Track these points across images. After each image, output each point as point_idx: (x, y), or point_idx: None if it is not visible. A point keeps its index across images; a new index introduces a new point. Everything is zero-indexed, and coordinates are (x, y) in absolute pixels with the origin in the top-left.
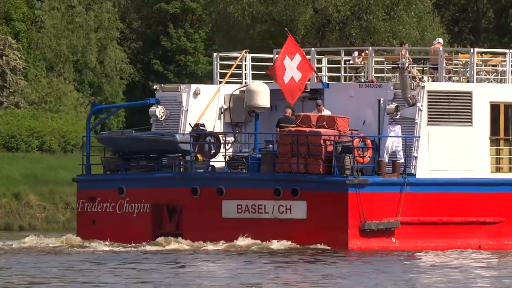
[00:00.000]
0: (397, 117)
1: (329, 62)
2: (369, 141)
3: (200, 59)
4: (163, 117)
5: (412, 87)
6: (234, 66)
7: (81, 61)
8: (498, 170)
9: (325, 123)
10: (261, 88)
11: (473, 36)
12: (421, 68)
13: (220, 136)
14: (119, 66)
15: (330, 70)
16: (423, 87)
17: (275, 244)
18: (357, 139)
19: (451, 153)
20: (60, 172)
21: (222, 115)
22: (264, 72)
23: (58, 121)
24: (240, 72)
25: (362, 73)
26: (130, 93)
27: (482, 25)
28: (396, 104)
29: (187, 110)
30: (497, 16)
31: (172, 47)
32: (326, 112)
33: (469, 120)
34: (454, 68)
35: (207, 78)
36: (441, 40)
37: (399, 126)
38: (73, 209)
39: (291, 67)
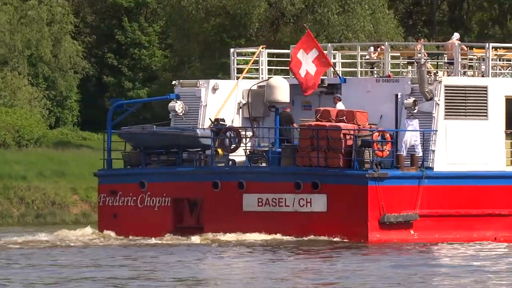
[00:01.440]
0: (415, 111)
1: (343, 57)
2: (388, 135)
3: (155, 52)
4: (182, 112)
5: (430, 82)
6: (251, 62)
7: (35, 55)
8: None
9: (344, 117)
10: (281, 83)
11: (427, 29)
12: (435, 63)
13: (240, 130)
14: (73, 60)
15: (345, 65)
16: (440, 82)
17: (296, 238)
18: (376, 133)
19: (468, 146)
20: (14, 166)
21: (240, 110)
22: (278, 68)
23: (12, 115)
24: (257, 67)
25: (378, 68)
26: (84, 87)
27: (436, 18)
28: (414, 99)
29: (206, 105)
30: (451, 9)
31: (126, 40)
32: (339, 106)
33: (485, 114)
34: (469, 62)
35: (162, 71)
36: (458, 35)
37: (417, 120)
38: (27, 204)
39: (307, 61)
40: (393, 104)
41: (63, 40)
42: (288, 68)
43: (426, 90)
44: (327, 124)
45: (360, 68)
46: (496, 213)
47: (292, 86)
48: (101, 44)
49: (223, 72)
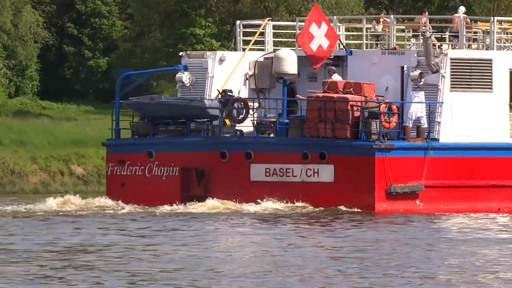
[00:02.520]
0: (421, 83)
1: (348, 30)
2: (394, 106)
3: (115, 22)
4: (189, 83)
5: (436, 55)
6: (257, 34)
7: None
8: None
9: (352, 89)
10: (289, 55)
11: (387, 0)
12: (439, 36)
13: (248, 101)
14: (33, 29)
15: (349, 37)
16: (446, 55)
17: (302, 207)
18: (383, 105)
19: (473, 118)
20: None
21: (247, 81)
22: (283, 40)
23: None
24: (263, 39)
25: (383, 41)
26: (44, 57)
27: None
28: (420, 71)
29: (213, 76)
30: None
31: (86, 10)
32: (336, 77)
33: (490, 86)
34: (474, 36)
35: (122, 41)
36: (463, 8)
37: (423, 92)
38: None
39: (319, 34)
40: (398, 76)
41: (24, 10)
42: (292, 40)
43: (432, 62)
44: (335, 95)
45: (366, 40)
46: (500, 184)
47: (298, 58)
48: (61, 14)
49: (183, 42)
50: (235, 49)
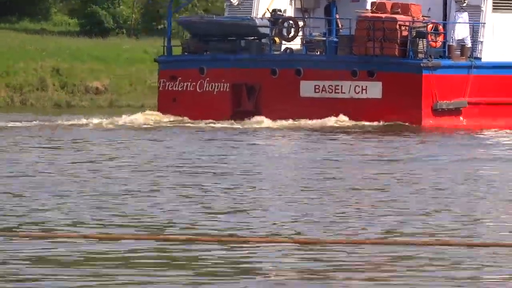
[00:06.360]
0: (465, 4)
1: None
2: (441, 27)
3: None
4: (237, 2)
5: None
6: None
7: None
8: None
9: (399, 9)
10: None
11: None
12: None
13: (297, 20)
14: None
15: None
16: None
17: (351, 122)
18: (430, 25)
19: None
20: None
21: (292, 1)
22: None
23: None
24: None
25: None
26: None
27: None
28: None
29: None
30: None
31: None
32: None
33: None
34: None
35: None
36: None
37: (467, 13)
38: None
39: None
40: None
41: None
42: None
43: None
44: (383, 15)
45: None
46: None
47: None
48: None
49: None
50: None
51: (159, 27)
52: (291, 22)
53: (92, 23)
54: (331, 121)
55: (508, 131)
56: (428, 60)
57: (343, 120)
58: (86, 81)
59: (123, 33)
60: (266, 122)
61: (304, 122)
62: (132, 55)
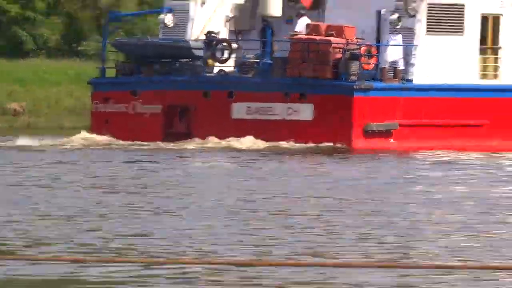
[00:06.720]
0: (398, 27)
1: None
2: (374, 49)
3: None
4: (172, 25)
5: (413, 0)
6: None
7: None
8: (484, 77)
9: (334, 32)
10: None
11: None
12: None
13: (231, 42)
14: None
15: None
16: (422, 0)
17: (283, 144)
18: (364, 47)
19: (445, 60)
20: None
21: (227, 23)
22: None
23: None
24: None
25: None
26: None
27: None
28: (398, 15)
29: (194, 18)
30: None
31: None
32: (303, 21)
33: (461, 30)
34: None
35: None
36: None
37: (400, 35)
38: None
39: None
40: (375, 20)
41: None
42: None
43: (410, 7)
44: (318, 38)
45: None
46: (467, 124)
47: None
48: None
49: None
50: None
51: (80, 48)
52: (225, 44)
53: (12, 44)
54: (262, 143)
55: (439, 152)
56: (361, 83)
57: (274, 141)
58: (4, 103)
59: (43, 54)
60: (196, 143)
61: (235, 143)
62: (51, 77)
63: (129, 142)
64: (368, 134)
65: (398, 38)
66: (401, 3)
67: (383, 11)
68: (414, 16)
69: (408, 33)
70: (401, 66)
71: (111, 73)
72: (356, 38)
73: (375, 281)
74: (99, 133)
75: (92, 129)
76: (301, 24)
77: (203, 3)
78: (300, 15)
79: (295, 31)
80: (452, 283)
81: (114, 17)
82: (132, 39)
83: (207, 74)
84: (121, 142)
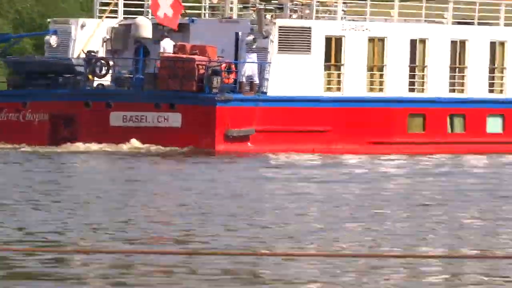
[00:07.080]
0: (254, 47)
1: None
2: (233, 66)
3: None
4: (56, 45)
5: (266, 23)
6: (112, 4)
7: None
8: (329, 89)
9: (197, 51)
10: (145, 22)
11: None
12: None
13: (109, 60)
14: None
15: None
16: (275, 23)
17: (155, 147)
18: (224, 64)
19: (295, 76)
20: None
21: (104, 43)
22: (133, 9)
23: None
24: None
25: (219, 11)
26: None
27: None
28: (253, 36)
29: (75, 39)
30: None
31: None
32: (166, 42)
33: (309, 49)
34: (295, 7)
35: None
36: None
37: (255, 54)
38: None
39: (164, 5)
40: (233, 40)
41: None
42: (140, 9)
43: (264, 30)
44: (184, 56)
45: (204, 11)
46: (314, 130)
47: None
48: None
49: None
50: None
51: None
52: (103, 61)
53: None
54: (137, 146)
55: (290, 154)
56: (222, 95)
57: (147, 145)
58: None
59: None
60: (79, 147)
61: (113, 147)
62: None
63: (16, 145)
64: (229, 139)
65: (254, 57)
66: (255, 26)
67: (240, 33)
68: (267, 37)
69: (263, 52)
70: (256, 80)
71: (2, 86)
72: (218, 56)
73: None
74: None
75: None
76: (166, 45)
77: (83, 26)
78: (164, 37)
79: (160, 51)
80: None
81: (5, 38)
82: (21, 57)
83: (88, 87)
84: (8, 145)
